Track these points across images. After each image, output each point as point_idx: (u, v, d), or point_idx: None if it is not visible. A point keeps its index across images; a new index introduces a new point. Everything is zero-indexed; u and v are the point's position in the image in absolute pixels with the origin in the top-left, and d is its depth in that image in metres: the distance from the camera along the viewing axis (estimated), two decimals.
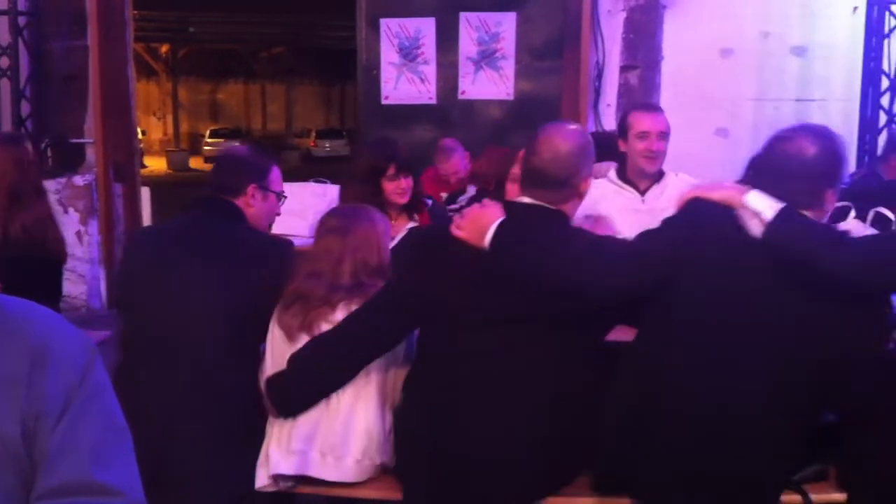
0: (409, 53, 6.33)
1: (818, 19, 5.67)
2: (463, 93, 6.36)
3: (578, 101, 5.90)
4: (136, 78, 6.65)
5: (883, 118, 5.22)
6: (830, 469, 2.35)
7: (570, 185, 2.31)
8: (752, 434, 2.17)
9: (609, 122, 5.92)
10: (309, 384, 2.41)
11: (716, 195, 2.24)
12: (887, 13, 5.18)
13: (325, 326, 2.39)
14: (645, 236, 2.32)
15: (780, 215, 2.10)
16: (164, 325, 2.50)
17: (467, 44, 6.26)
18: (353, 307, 2.39)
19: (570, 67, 5.96)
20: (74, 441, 1.19)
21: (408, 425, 2.38)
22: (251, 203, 2.68)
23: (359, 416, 2.40)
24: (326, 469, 2.37)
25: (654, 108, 3.65)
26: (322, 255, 2.47)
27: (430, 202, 3.56)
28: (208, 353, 2.47)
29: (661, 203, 3.37)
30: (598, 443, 2.32)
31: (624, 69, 5.92)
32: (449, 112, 6.29)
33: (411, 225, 3.26)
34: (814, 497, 2.28)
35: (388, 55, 6.33)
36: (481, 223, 2.25)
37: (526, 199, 2.32)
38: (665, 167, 3.64)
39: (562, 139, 2.32)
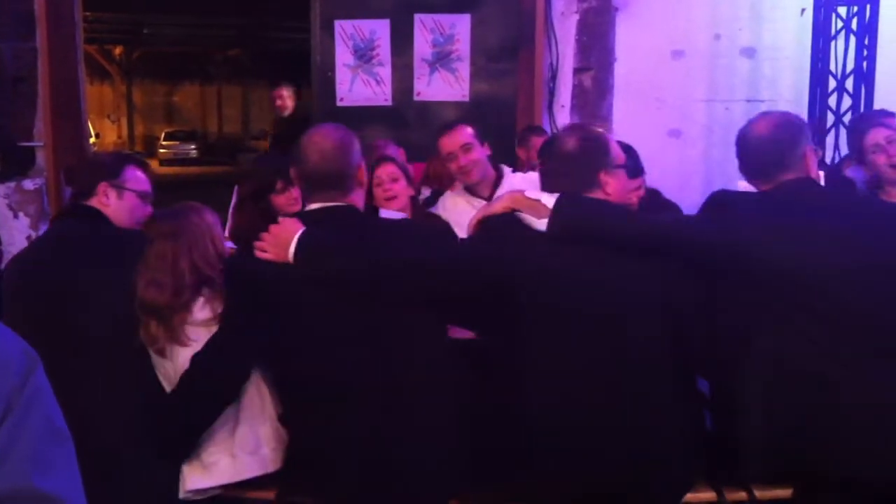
0: (363, 55, 6.32)
1: (767, 22, 5.76)
2: (418, 94, 6.35)
3: (533, 103, 5.94)
4: (90, 80, 6.59)
5: (830, 118, 5.31)
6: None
7: (347, 177, 2.36)
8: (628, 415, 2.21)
9: (563, 123, 5.94)
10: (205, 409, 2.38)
11: (497, 208, 2.38)
12: (833, 15, 5.26)
13: (190, 329, 2.37)
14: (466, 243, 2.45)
15: (561, 199, 2.24)
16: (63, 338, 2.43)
17: (422, 45, 6.26)
18: (212, 303, 2.39)
19: (524, 69, 6.00)
20: (14, 447, 1.17)
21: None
22: (105, 202, 2.66)
23: (264, 413, 2.40)
24: (243, 468, 2.36)
25: (452, 127, 3.79)
26: (157, 261, 2.43)
27: None
28: (123, 353, 2.44)
29: None
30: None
31: (578, 71, 5.97)
32: (405, 114, 6.29)
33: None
34: (759, 494, 2.32)
35: (343, 57, 6.31)
36: (282, 239, 2.26)
37: (315, 205, 2.36)
38: None
39: (322, 138, 2.37)
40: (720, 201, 2.40)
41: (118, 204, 2.69)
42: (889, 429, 2.15)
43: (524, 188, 2.45)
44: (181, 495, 2.38)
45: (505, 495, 2.29)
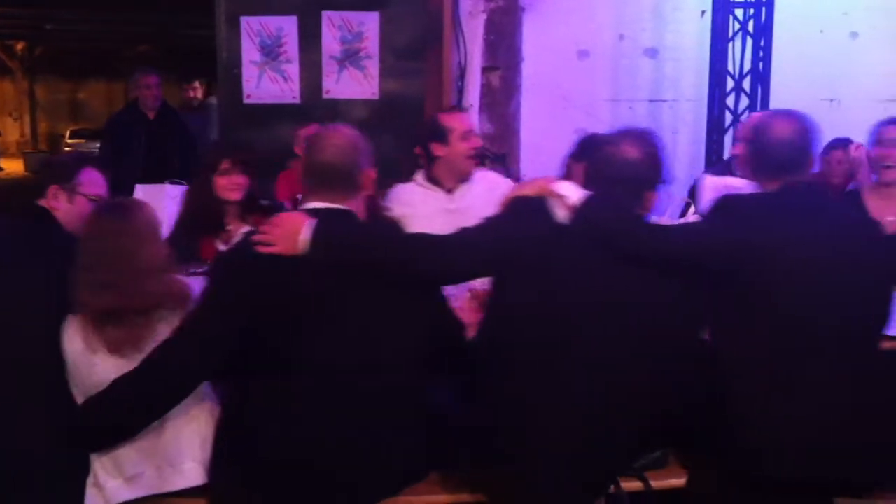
0: (270, 52, 6.23)
1: (669, 23, 5.91)
2: (327, 92, 6.30)
3: (442, 101, 5.95)
4: None
5: (729, 118, 5.46)
6: (671, 456, 2.46)
7: (353, 177, 2.37)
8: (599, 424, 2.24)
9: (472, 122, 5.99)
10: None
11: (529, 189, 2.39)
12: (731, 17, 5.42)
13: (147, 335, 2.31)
14: (476, 229, 2.42)
15: (589, 200, 2.27)
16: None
17: (330, 43, 6.21)
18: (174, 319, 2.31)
19: (433, 68, 6.01)
20: None
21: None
22: (55, 205, 2.61)
23: (190, 423, 2.34)
24: (167, 481, 2.31)
25: (462, 108, 3.76)
26: (107, 262, 2.34)
27: (265, 203, 3.54)
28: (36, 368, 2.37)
29: (470, 200, 3.47)
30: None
31: (486, 70, 6.01)
32: (313, 111, 6.21)
33: (246, 229, 3.24)
34: (654, 483, 2.37)
35: (250, 53, 6.21)
36: (290, 230, 2.23)
37: (315, 204, 2.34)
38: (524, 167, 3.73)
39: (337, 134, 2.39)
40: (724, 205, 2.42)
41: (68, 208, 2.63)
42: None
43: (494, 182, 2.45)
44: None
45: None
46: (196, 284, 2.44)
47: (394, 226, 2.71)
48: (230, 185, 3.29)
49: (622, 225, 2.28)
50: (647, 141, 2.38)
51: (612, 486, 2.33)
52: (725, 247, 2.29)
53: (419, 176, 3.72)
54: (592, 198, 2.28)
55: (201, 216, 3.32)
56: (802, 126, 2.47)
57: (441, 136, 3.59)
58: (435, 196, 3.63)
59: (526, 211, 2.35)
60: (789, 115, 2.52)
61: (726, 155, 5.34)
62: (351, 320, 2.25)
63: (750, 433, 2.26)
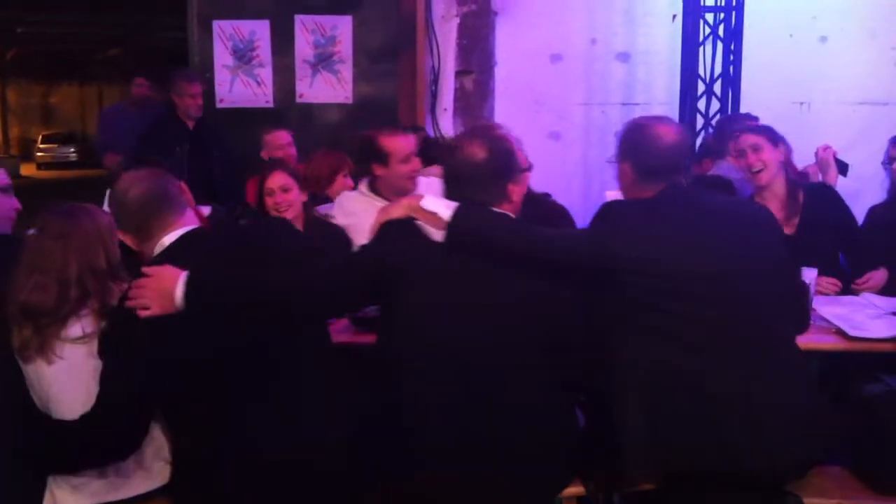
0: (243, 56, 6.22)
1: (640, 27, 5.94)
2: (301, 96, 6.29)
3: (415, 105, 5.96)
4: None
5: (700, 121, 5.50)
6: None
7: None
8: (502, 430, 2.25)
9: (446, 126, 6.00)
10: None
11: (395, 212, 2.37)
12: (701, 21, 5.46)
13: (59, 345, 2.25)
14: (350, 262, 2.49)
15: (458, 212, 2.26)
16: None
17: (303, 46, 6.20)
18: (84, 320, 2.27)
19: (406, 72, 6.01)
20: None
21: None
22: None
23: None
24: (114, 489, 2.29)
25: (404, 130, 3.74)
26: (43, 263, 2.28)
27: (207, 209, 3.53)
28: None
29: None
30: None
31: (459, 74, 6.02)
32: (287, 115, 6.21)
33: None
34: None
35: (222, 57, 6.20)
36: (163, 289, 2.18)
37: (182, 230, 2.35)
38: None
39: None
40: (603, 212, 2.44)
41: None
42: (757, 420, 2.25)
43: (425, 193, 2.45)
44: None
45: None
46: None
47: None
48: None
49: (499, 231, 2.29)
50: (492, 136, 2.38)
51: (585, 489, 2.34)
52: (597, 250, 2.33)
53: (363, 185, 3.70)
54: (460, 209, 2.27)
55: None
56: (681, 129, 2.55)
57: (381, 157, 3.58)
58: (378, 206, 3.62)
59: (392, 233, 2.36)
60: (667, 119, 2.59)
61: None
62: None
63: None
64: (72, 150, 31.79)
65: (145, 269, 2.20)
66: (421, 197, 2.34)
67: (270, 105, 6.32)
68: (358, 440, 2.29)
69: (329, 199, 3.84)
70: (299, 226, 3.55)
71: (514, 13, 5.91)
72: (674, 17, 5.74)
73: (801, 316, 2.68)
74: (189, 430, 2.31)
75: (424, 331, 2.25)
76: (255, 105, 6.22)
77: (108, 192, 4.10)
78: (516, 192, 2.37)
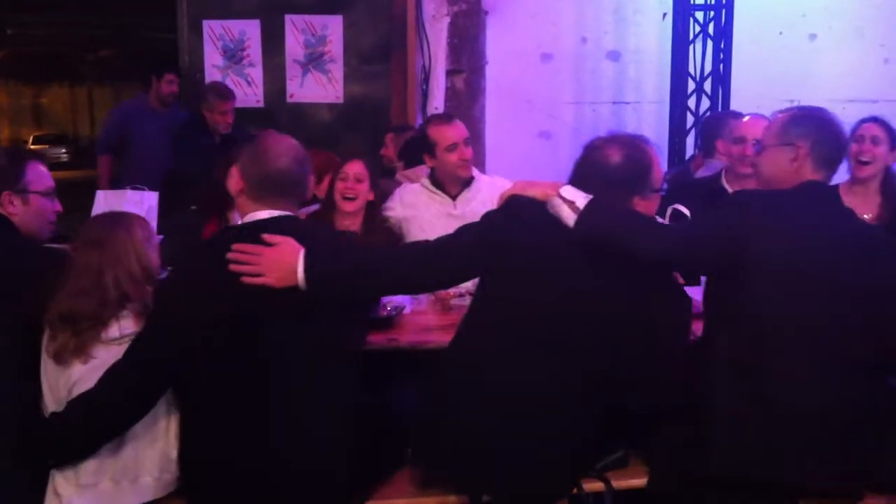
0: (233, 56, 6.21)
1: (631, 25, 5.96)
2: (291, 96, 6.29)
3: (406, 105, 5.96)
4: None
5: (690, 119, 5.52)
6: (632, 456, 2.47)
7: (305, 186, 2.38)
8: (558, 418, 2.25)
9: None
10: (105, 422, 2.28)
11: (531, 191, 2.35)
12: (691, 19, 5.47)
13: (99, 347, 2.28)
14: (462, 229, 2.43)
15: (591, 204, 2.25)
16: None
17: (294, 46, 6.19)
18: (123, 322, 2.30)
19: (397, 71, 6.01)
20: None
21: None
22: (12, 211, 2.56)
23: (150, 437, 2.33)
24: (123, 495, 2.28)
25: (452, 118, 3.74)
26: (83, 270, 2.34)
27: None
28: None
29: (474, 206, 3.48)
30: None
31: (450, 73, 6.02)
32: (277, 115, 6.20)
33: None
34: (615, 483, 2.38)
35: (212, 57, 6.19)
36: (284, 261, 2.19)
37: (273, 213, 2.30)
38: (488, 169, 3.73)
39: (287, 144, 2.34)
40: (735, 201, 2.42)
41: (25, 210, 2.57)
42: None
43: (501, 188, 2.49)
44: None
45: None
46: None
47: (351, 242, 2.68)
48: None
49: (630, 223, 2.27)
50: (632, 145, 2.37)
51: (574, 488, 2.34)
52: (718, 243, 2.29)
53: (425, 179, 3.73)
54: (595, 201, 2.25)
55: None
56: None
57: (428, 148, 3.63)
58: (438, 200, 3.65)
59: (521, 211, 2.35)
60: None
61: (688, 155, 5.40)
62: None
63: (713, 431, 2.27)
64: (63, 150, 31.69)
65: (267, 237, 2.21)
66: (560, 184, 2.32)
67: (261, 105, 6.31)
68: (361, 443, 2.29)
69: (316, 200, 3.83)
70: (358, 223, 3.59)
71: (505, 12, 5.91)
72: (664, 15, 5.76)
73: None
74: (193, 435, 2.31)
75: (519, 311, 2.27)
76: (245, 105, 6.19)
77: (97, 194, 4.14)
78: (642, 208, 2.34)
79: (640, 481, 2.41)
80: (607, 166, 2.32)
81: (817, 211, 2.37)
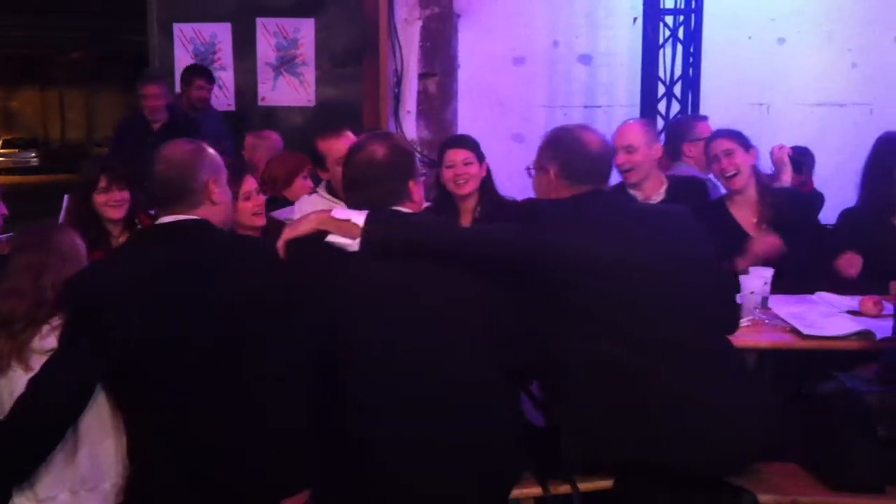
0: (204, 59, 6.19)
1: (602, 29, 5.98)
2: (263, 99, 6.28)
3: (379, 108, 5.96)
4: None
5: (660, 123, 5.54)
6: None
7: (192, 191, 2.29)
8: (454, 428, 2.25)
9: (409, 129, 6.00)
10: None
11: (304, 228, 2.32)
12: (661, 24, 5.51)
13: (33, 356, 2.26)
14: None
15: (371, 218, 2.24)
16: None
17: (265, 49, 6.19)
18: (58, 331, 2.27)
19: (369, 74, 6.01)
20: None
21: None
22: None
23: (104, 442, 2.30)
24: None
25: (342, 131, 3.68)
26: (21, 271, 2.33)
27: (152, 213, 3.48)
28: None
29: None
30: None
31: (422, 76, 6.03)
32: (249, 118, 6.19)
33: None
34: (582, 486, 2.40)
35: (183, 60, 6.17)
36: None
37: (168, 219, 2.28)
38: None
39: (170, 149, 2.32)
40: (532, 208, 2.48)
41: None
42: (694, 415, 2.29)
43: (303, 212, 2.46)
44: None
45: None
46: None
47: None
48: (110, 202, 3.20)
49: (420, 230, 2.28)
50: (390, 137, 2.46)
51: (542, 490, 2.35)
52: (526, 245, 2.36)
53: (321, 188, 3.69)
54: (372, 214, 2.25)
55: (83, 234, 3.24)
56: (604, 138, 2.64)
57: (319, 161, 3.60)
58: (336, 208, 3.60)
59: (306, 251, 2.31)
60: (587, 127, 2.66)
61: None
62: None
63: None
64: (33, 154, 31.40)
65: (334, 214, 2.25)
66: (329, 210, 2.30)
67: (232, 108, 6.29)
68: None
69: (288, 202, 3.82)
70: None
71: (477, 16, 5.93)
72: (634, 19, 5.79)
73: (731, 313, 2.67)
74: (142, 444, 2.27)
75: (362, 346, 2.23)
76: (216, 108, 6.18)
77: (66, 197, 4.10)
78: (417, 192, 2.37)
79: (606, 483, 2.43)
80: (378, 161, 2.33)
81: (604, 212, 2.49)
